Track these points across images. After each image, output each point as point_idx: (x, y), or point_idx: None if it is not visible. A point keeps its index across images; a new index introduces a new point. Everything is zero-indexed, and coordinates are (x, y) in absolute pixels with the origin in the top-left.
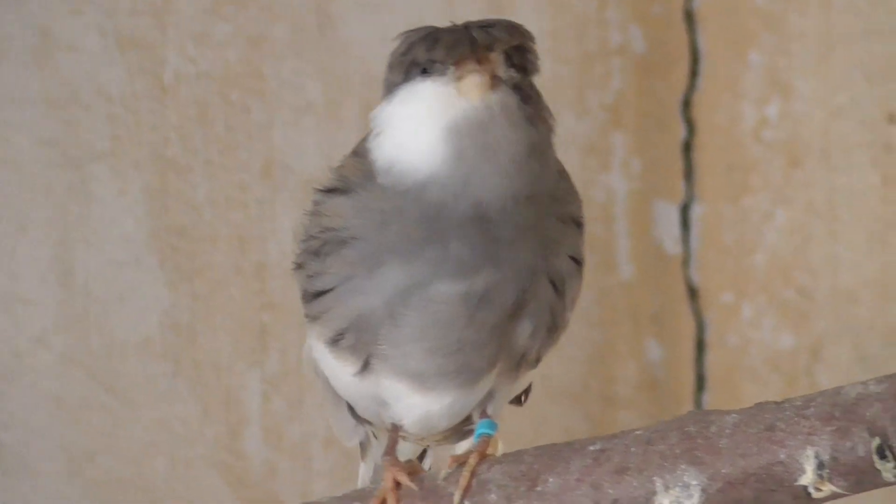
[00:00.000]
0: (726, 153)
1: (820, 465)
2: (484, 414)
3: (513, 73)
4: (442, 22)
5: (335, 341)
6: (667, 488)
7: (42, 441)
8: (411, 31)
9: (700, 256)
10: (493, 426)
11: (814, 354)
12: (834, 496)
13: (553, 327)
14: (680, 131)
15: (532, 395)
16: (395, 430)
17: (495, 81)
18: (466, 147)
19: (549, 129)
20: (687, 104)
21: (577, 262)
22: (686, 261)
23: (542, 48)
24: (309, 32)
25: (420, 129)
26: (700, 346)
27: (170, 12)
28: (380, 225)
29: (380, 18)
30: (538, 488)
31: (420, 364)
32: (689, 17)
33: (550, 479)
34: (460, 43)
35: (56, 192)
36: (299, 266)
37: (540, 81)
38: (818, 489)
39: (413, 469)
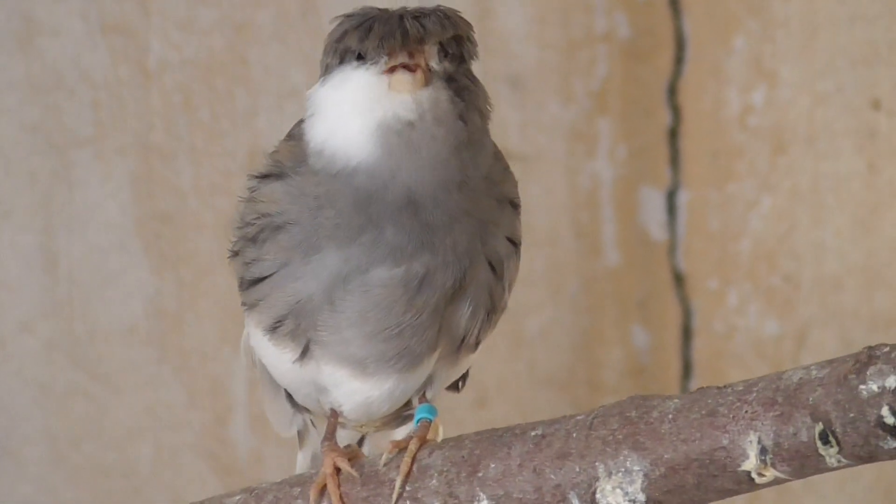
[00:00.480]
0: (712, 139)
1: (763, 451)
2: (423, 399)
3: (447, 65)
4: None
5: (274, 328)
6: (609, 474)
7: (26, 427)
8: (347, 15)
9: (686, 243)
10: (433, 411)
11: (799, 341)
12: (777, 481)
13: (492, 309)
14: (665, 118)
15: (518, 382)
16: (335, 416)
17: (427, 76)
18: (394, 142)
19: (484, 117)
20: (672, 90)
21: (514, 243)
22: (672, 247)
23: (528, 34)
24: (293, 19)
25: (350, 117)
26: (686, 333)
27: None
28: (314, 210)
29: (361, 3)
30: (479, 474)
31: (360, 349)
32: (675, 4)
33: (492, 465)
34: (391, 34)
35: (40, 178)
36: (235, 254)
37: (525, 68)
38: (761, 475)
39: (353, 455)
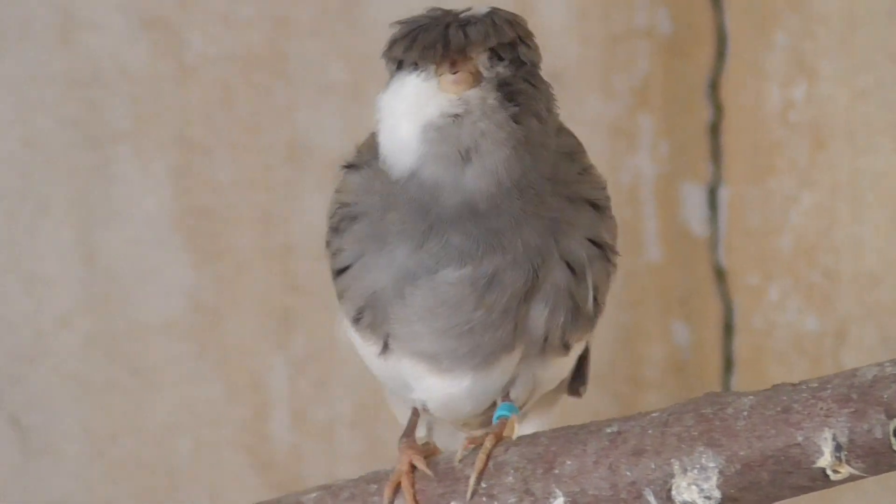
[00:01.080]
0: (753, 135)
1: (837, 448)
2: (506, 398)
3: (501, 70)
4: (467, 4)
5: (357, 320)
6: (684, 470)
7: (65, 423)
8: (399, 22)
9: (727, 239)
10: (513, 408)
11: (839, 336)
12: (851, 478)
13: (577, 311)
14: (707, 113)
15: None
16: (416, 414)
17: (475, 77)
18: (442, 146)
19: (544, 120)
20: (714, 86)
21: (599, 245)
22: (713, 243)
23: (569, 30)
24: (332, 13)
25: (402, 120)
26: (727, 329)
27: None
28: (383, 206)
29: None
30: (555, 470)
31: (431, 345)
32: None
33: (567, 462)
34: (434, 44)
35: (78, 172)
36: (327, 244)
37: (567, 64)
38: (836, 471)
39: (430, 452)
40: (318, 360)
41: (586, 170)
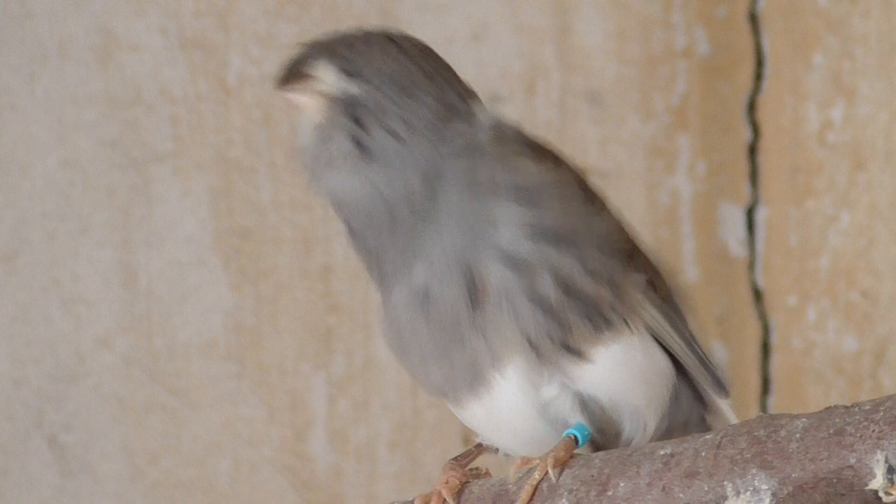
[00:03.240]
0: (791, 155)
1: (890, 470)
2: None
3: (347, 87)
4: (505, 25)
5: None
6: (737, 493)
7: (104, 443)
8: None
9: (765, 259)
10: (583, 429)
11: (878, 357)
12: None
13: (552, 312)
14: (745, 133)
15: None
16: (478, 448)
17: (318, 96)
18: (308, 170)
19: (398, 138)
20: (751, 106)
21: (545, 236)
22: (751, 263)
23: (608, 50)
24: None
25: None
26: (765, 349)
27: (233, 13)
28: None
29: (443, 20)
30: (609, 493)
31: (428, 378)
32: (754, 20)
33: (621, 484)
34: (286, 63)
35: (118, 193)
36: None
37: (605, 84)
38: (888, 493)
39: (477, 474)
40: (357, 380)
41: (506, 159)
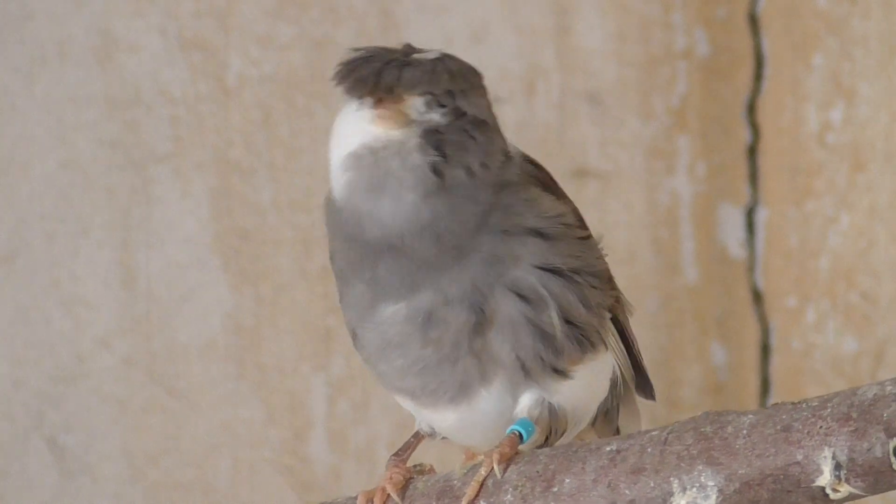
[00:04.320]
0: (790, 157)
1: (837, 466)
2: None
3: (434, 116)
4: (505, 25)
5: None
6: (684, 489)
7: (104, 444)
8: (350, 50)
9: (764, 260)
10: (527, 425)
11: (878, 358)
12: (851, 497)
13: (547, 338)
14: (744, 135)
15: None
16: (416, 438)
17: (401, 120)
18: (358, 174)
19: (471, 174)
20: (751, 108)
21: (555, 271)
22: (751, 265)
23: (607, 51)
24: (372, 34)
25: (334, 151)
26: (764, 350)
27: (233, 14)
28: (336, 240)
29: (443, 20)
30: (554, 489)
31: (401, 382)
32: (753, 21)
33: (566, 480)
34: (365, 80)
35: (118, 194)
36: None
37: (605, 86)
38: (835, 490)
39: (422, 470)
40: (357, 381)
41: (530, 201)
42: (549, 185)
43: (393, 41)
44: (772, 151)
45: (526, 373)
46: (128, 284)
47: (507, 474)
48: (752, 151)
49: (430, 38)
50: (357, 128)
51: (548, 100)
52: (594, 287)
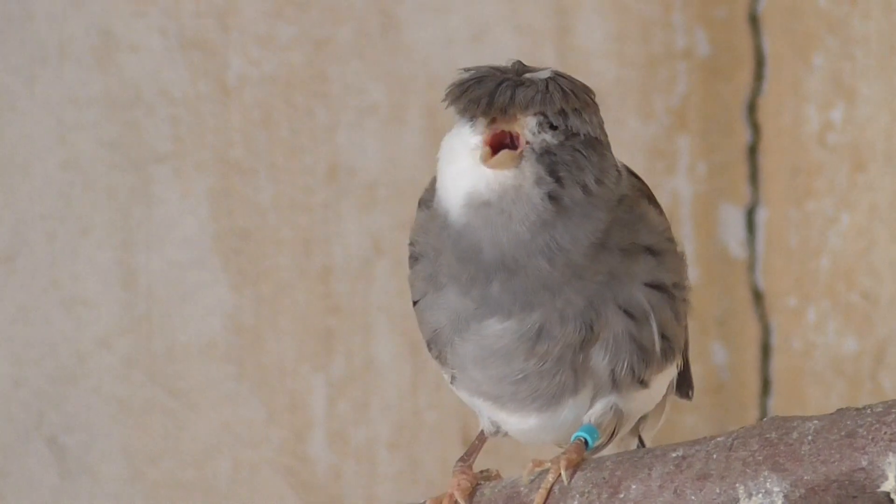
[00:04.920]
0: (791, 157)
1: None
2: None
3: (546, 137)
4: (505, 25)
5: (428, 349)
6: (749, 495)
7: (104, 443)
8: (462, 70)
9: (765, 260)
10: (593, 432)
11: (878, 358)
12: None
13: (644, 352)
14: (745, 135)
15: None
16: (481, 440)
17: (517, 157)
18: (476, 216)
19: (588, 192)
20: (752, 108)
21: (660, 287)
22: (751, 264)
23: (608, 51)
24: (373, 35)
25: (450, 180)
26: (765, 350)
27: (233, 14)
28: (435, 248)
29: (443, 20)
30: (620, 495)
31: (491, 388)
32: (754, 21)
33: (633, 486)
34: (479, 100)
35: (118, 194)
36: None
37: (605, 85)
38: None
39: (488, 476)
40: (357, 381)
41: (642, 216)
42: (652, 197)
43: (394, 42)
44: (772, 151)
45: (614, 384)
46: (128, 284)
47: (573, 481)
48: (753, 151)
49: (430, 38)
50: (471, 162)
51: None
52: (685, 300)
